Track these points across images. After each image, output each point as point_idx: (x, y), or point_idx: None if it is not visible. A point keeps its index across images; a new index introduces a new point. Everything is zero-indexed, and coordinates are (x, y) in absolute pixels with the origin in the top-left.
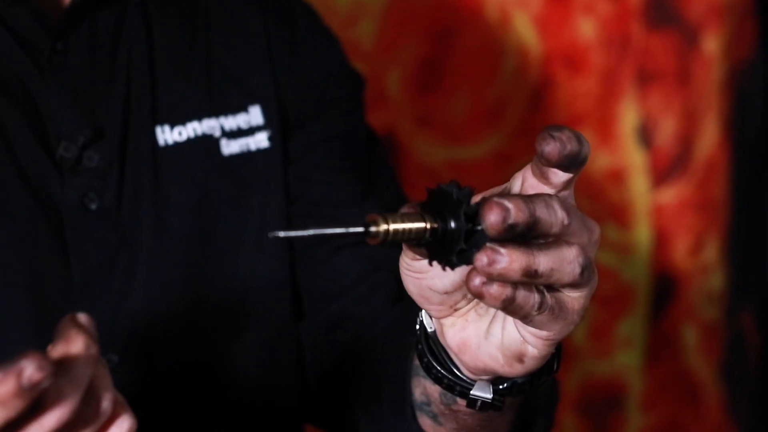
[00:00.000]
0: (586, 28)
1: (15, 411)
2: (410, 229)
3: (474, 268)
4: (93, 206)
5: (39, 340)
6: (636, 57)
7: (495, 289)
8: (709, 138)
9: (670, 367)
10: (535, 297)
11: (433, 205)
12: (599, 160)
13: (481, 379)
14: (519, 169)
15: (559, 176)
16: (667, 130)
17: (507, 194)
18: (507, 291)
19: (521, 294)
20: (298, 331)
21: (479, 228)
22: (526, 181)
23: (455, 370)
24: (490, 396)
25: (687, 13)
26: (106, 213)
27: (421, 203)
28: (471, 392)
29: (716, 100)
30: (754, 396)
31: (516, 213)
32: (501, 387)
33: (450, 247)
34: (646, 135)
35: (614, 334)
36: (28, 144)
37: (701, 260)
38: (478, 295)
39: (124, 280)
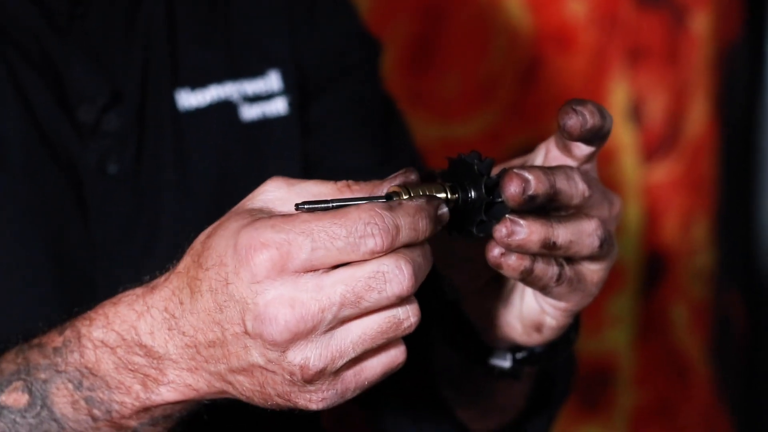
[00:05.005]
0: (576, 7)
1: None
2: None
3: (493, 240)
4: (112, 170)
5: (61, 299)
6: (625, 35)
7: (513, 260)
8: (698, 116)
9: (660, 344)
10: (554, 269)
11: (454, 175)
12: None
13: (499, 348)
14: (510, 146)
15: (582, 149)
16: (656, 108)
17: (528, 166)
18: (525, 262)
19: (539, 266)
20: None
21: (499, 200)
22: (549, 153)
23: (474, 338)
24: (508, 364)
25: None
26: (126, 177)
27: (441, 172)
28: (489, 360)
29: (704, 79)
30: (742, 375)
31: (536, 184)
32: (519, 356)
33: (470, 218)
34: (635, 113)
35: (604, 311)
36: (48, 107)
37: (690, 239)
38: (497, 266)
39: (146, 243)
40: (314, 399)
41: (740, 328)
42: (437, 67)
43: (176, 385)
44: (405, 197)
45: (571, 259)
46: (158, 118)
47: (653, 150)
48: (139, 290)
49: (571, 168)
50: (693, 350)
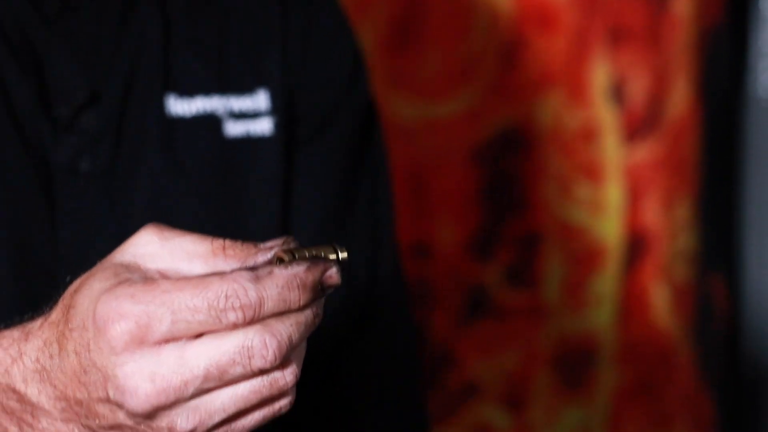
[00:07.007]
0: None
1: (306, 301)
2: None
3: None
4: (84, 168)
5: (21, 298)
6: (607, 16)
7: None
8: (680, 97)
9: (642, 325)
10: None
11: None
12: (571, 119)
13: None
14: (493, 125)
15: None
16: (637, 88)
17: None
18: None
19: None
20: None
21: None
22: None
23: None
24: None
25: None
26: (98, 176)
27: None
28: None
29: (687, 60)
30: (724, 359)
31: None
32: None
33: None
34: (617, 93)
35: (586, 291)
36: (26, 98)
37: (672, 219)
38: None
39: (113, 244)
40: None
41: (722, 312)
42: (418, 46)
43: None
44: (288, 260)
45: None
46: (142, 120)
47: (635, 130)
48: (15, 333)
49: None
50: (675, 331)
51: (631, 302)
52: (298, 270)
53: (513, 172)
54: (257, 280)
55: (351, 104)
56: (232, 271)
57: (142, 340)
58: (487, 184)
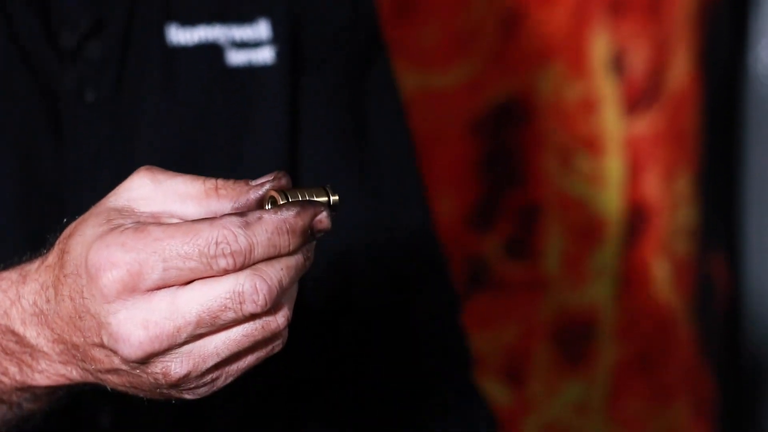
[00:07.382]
0: None
1: (296, 246)
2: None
3: None
4: (90, 97)
5: (26, 226)
6: None
7: None
8: (681, 70)
9: (643, 299)
10: None
11: None
12: (571, 90)
13: None
14: (491, 97)
15: None
16: (638, 60)
17: None
18: None
19: None
20: None
21: None
22: None
23: None
24: None
25: None
26: (103, 104)
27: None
28: None
29: (687, 32)
30: (724, 337)
31: None
32: None
33: None
34: (617, 65)
35: (586, 264)
36: (31, 28)
37: (672, 193)
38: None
39: (118, 171)
40: (186, 395)
41: (723, 290)
42: (418, 17)
43: (49, 374)
44: (282, 202)
45: None
46: (144, 50)
47: (635, 102)
48: (14, 275)
49: None
50: (676, 306)
51: (632, 276)
52: (288, 215)
53: (513, 144)
54: (247, 225)
55: (356, 30)
56: (222, 217)
57: (133, 288)
58: (486, 156)
